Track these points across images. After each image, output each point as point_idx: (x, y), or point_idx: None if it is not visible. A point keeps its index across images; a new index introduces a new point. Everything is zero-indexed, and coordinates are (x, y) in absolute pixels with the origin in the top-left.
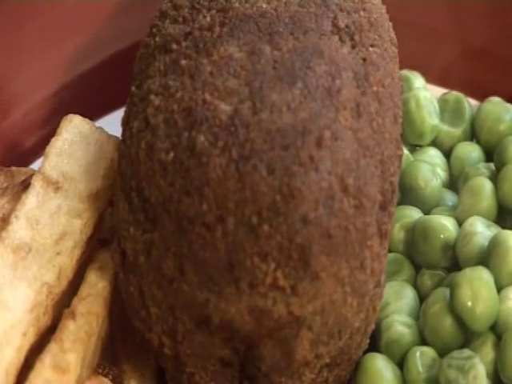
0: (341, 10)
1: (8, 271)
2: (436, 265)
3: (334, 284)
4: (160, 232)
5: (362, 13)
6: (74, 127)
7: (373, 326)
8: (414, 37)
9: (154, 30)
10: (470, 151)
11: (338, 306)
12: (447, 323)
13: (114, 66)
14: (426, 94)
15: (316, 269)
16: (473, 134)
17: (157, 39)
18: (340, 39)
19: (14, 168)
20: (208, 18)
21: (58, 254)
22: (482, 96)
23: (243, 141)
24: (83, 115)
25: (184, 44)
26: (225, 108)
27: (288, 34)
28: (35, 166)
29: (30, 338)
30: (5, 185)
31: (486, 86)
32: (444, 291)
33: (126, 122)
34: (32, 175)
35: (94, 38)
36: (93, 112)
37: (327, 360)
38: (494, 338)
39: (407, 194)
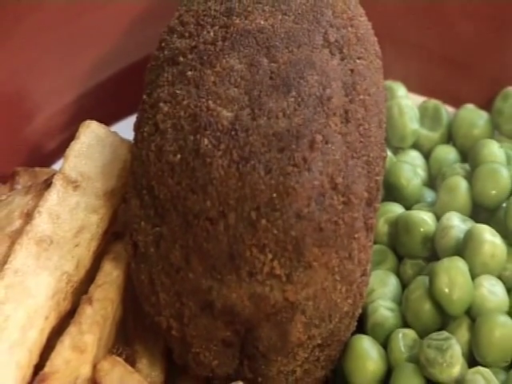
0: (331, 25)
1: (31, 261)
2: (417, 255)
3: (325, 273)
4: (168, 226)
5: (349, 28)
6: (91, 132)
7: (360, 311)
8: (397, 50)
9: (163, 44)
10: (447, 153)
11: (328, 292)
12: (427, 308)
13: (127, 76)
14: (407, 102)
15: (309, 259)
16: (449, 138)
17: (165, 52)
18: (330, 52)
19: (37, 168)
20: (211, 33)
21: (77, 245)
22: (457, 103)
23: (243, 144)
24: (99, 121)
25: (190, 57)
26: (226, 114)
27: (283, 47)
28: (56, 166)
29: (52, 322)
30: (29, 183)
31: (462, 94)
32: (424, 279)
33: (137, 127)
34: (53, 175)
35: (110, 51)
36: (108, 118)
37: (319, 341)
38: (468, 322)
39: (391, 191)
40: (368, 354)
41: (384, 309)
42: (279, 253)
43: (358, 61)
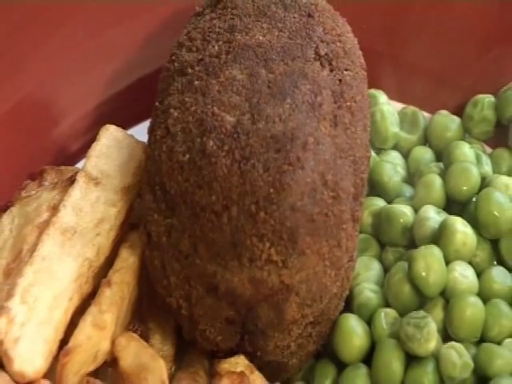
0: (321, 41)
1: (57, 249)
2: (397, 243)
3: (317, 259)
4: (178, 218)
5: (338, 43)
6: (110, 134)
7: (347, 292)
8: (380, 63)
9: (173, 57)
10: (424, 153)
11: (319, 276)
12: (406, 290)
13: (141, 85)
14: (388, 108)
15: (302, 247)
16: (426, 140)
17: (175, 64)
18: (321, 64)
19: (62, 167)
20: (216, 48)
21: (97, 235)
22: (433, 109)
23: (244, 145)
24: (118, 125)
25: (197, 68)
26: (229, 119)
27: (279, 60)
28: (79, 165)
29: (75, 302)
30: (55, 180)
31: (436, 101)
32: (403, 264)
33: (151, 131)
34: (77, 173)
35: (127, 63)
36: (125, 122)
37: (311, 319)
38: (443, 302)
39: (374, 187)
40: (354, 330)
41: (368, 291)
42: (276, 241)
43: (345, 72)
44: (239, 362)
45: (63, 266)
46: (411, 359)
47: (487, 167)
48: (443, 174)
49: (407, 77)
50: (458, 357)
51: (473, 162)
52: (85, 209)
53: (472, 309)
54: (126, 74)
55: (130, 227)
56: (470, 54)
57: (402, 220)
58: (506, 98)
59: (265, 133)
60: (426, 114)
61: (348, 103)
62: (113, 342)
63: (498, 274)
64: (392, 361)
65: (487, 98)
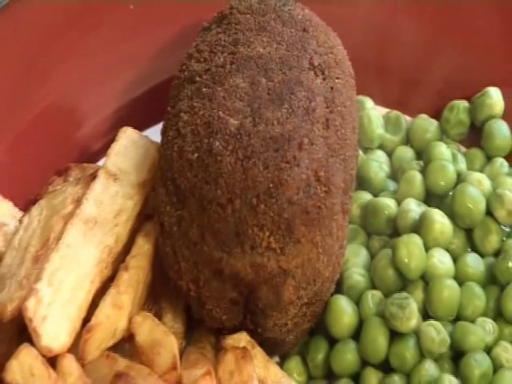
0: (315, 53)
1: (80, 237)
2: (382, 232)
3: (311, 246)
4: (187, 209)
5: (330, 55)
6: (127, 136)
7: (338, 276)
8: (367, 72)
9: (184, 67)
10: (406, 152)
11: (313, 262)
12: (390, 273)
13: (155, 92)
14: (374, 112)
15: (298, 236)
16: (407, 140)
17: (185, 73)
18: (314, 73)
19: (85, 164)
20: (221, 59)
21: (116, 225)
22: (413, 113)
23: (246, 145)
24: (134, 127)
25: (204, 77)
26: (233, 122)
27: (278, 69)
28: (100, 163)
29: (96, 285)
30: (79, 176)
31: (417, 106)
32: (388, 251)
33: (163, 132)
34: (98, 169)
35: (142, 72)
36: (141, 125)
37: (306, 300)
38: (423, 284)
39: (362, 182)
40: (344, 310)
41: (357, 274)
42: (274, 231)
43: (336, 80)
44: (242, 338)
45: (86, 253)
46: (395, 335)
47: (462, 165)
48: (423, 171)
49: (391, 85)
50: (437, 333)
51: (449, 160)
52: (105, 201)
53: (449, 291)
54: (142, 82)
55: (145, 218)
56: (448, 64)
57: (386, 212)
58: (479, 103)
59: (265, 134)
60: (408, 118)
61: (339, 108)
62: (130, 320)
63: (471, 259)
64: (378, 337)
65: (462, 104)
